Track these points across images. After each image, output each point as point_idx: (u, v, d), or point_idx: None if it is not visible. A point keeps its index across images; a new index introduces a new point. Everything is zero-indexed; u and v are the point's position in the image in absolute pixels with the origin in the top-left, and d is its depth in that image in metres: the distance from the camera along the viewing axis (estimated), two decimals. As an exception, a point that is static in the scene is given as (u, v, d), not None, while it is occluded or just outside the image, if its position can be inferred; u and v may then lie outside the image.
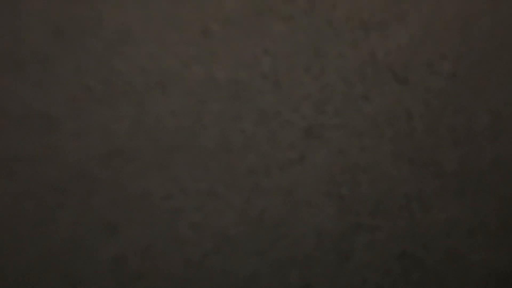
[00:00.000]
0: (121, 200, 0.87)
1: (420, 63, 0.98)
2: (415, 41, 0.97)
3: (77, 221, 0.86)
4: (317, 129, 0.94)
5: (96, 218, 0.86)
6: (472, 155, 1.02)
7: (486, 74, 1.02)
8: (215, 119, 0.90)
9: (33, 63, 0.82)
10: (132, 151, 0.86)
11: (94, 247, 0.87)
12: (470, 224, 1.03)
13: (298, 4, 0.92)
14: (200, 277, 0.92)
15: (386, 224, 0.98)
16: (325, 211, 0.96)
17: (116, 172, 0.86)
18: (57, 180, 0.84)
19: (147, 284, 0.89)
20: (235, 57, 0.90)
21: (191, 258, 0.91)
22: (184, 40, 0.87)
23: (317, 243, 0.96)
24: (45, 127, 0.83)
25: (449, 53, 1.00)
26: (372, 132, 0.97)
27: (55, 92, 0.83)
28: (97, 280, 0.87)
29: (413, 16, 0.97)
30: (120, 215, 0.87)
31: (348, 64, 0.95)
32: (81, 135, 0.84)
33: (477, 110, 1.02)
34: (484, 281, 1.04)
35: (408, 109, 0.98)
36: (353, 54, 0.95)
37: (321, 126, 0.94)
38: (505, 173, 1.04)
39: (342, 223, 0.96)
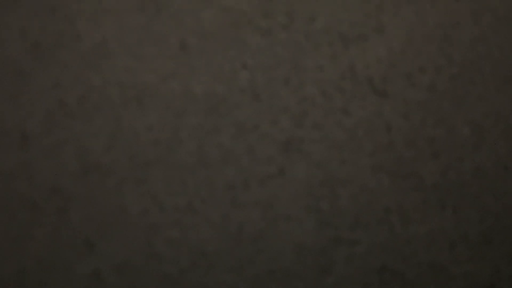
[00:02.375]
0: (97, 216, 0.86)
1: (400, 76, 0.98)
2: (395, 53, 0.97)
3: (52, 238, 0.85)
4: (296, 143, 0.94)
5: (72, 234, 0.85)
6: (452, 167, 1.02)
7: (465, 86, 1.02)
8: (193, 133, 0.89)
9: (8, 77, 0.81)
10: (108, 166, 0.86)
11: (71, 264, 0.86)
12: (451, 236, 1.03)
13: (277, 17, 0.91)
14: (179, 293, 0.91)
15: (365, 238, 0.98)
16: (304, 225, 0.95)
17: (92, 188, 0.85)
18: (32, 196, 0.83)
19: (124, 301, 0.88)
20: (213, 71, 0.89)
21: (168, 274, 0.90)
22: (161, 54, 0.87)
23: (296, 257, 0.95)
24: (19, 143, 0.82)
25: (428, 66, 1.00)
26: (352, 145, 0.97)
27: (30, 107, 0.82)
28: (73, 297, 0.86)
29: (392, 28, 0.97)
30: (96, 231, 0.86)
31: (327, 77, 0.94)
32: (56, 151, 0.84)
33: (457, 122, 1.02)
34: (466, 294, 1.04)
35: (387, 122, 0.98)
36: (332, 67, 0.94)
37: (300, 140, 0.94)
38: (486, 185, 1.04)
39: (322, 237, 0.96)
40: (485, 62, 1.03)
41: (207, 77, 0.89)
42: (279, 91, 0.92)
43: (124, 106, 0.86)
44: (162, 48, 0.87)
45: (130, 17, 0.85)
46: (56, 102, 0.83)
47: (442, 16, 1.00)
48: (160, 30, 0.87)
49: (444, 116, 1.01)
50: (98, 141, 0.85)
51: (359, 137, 0.97)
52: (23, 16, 0.81)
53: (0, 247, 0.83)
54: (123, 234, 0.87)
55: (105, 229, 0.86)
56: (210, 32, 0.89)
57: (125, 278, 0.88)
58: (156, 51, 0.87)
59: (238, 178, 0.91)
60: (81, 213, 0.85)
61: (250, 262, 0.93)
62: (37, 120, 0.82)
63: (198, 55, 0.88)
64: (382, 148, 0.98)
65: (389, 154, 0.98)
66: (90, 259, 0.86)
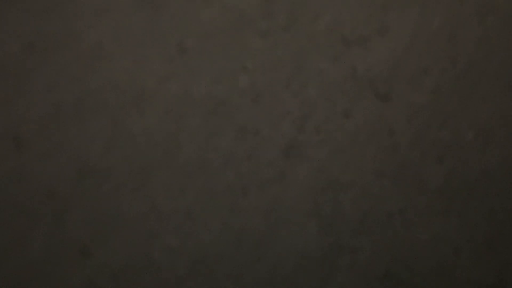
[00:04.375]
0: (94, 221, 0.84)
1: (403, 78, 0.96)
2: (397, 55, 0.95)
3: (48, 244, 0.83)
4: (297, 146, 0.92)
5: (68, 241, 0.83)
6: (457, 170, 1.00)
7: (470, 88, 1.01)
8: (192, 136, 0.87)
9: (2, 79, 0.79)
10: (105, 171, 0.84)
11: (67, 271, 0.84)
12: (456, 241, 1.01)
13: (277, 19, 0.89)
14: (178, 301, 0.89)
15: (368, 243, 0.96)
16: (306, 231, 0.93)
17: (89, 193, 0.83)
18: (27, 202, 0.81)
19: (122, 309, 0.86)
20: (213, 73, 0.87)
21: (166, 282, 0.88)
22: (160, 56, 0.85)
23: (298, 265, 0.93)
24: (14, 147, 0.80)
25: (431, 68, 0.98)
26: (354, 149, 0.95)
27: (24, 110, 0.80)
28: (69, 305, 0.84)
29: (395, 30, 0.96)
30: (93, 237, 0.84)
31: (329, 79, 0.92)
32: (51, 155, 0.82)
33: (462, 125, 1.00)
34: (471, 300, 1.02)
35: (390, 125, 0.96)
36: (333, 69, 0.93)
37: (302, 143, 0.92)
38: (491, 188, 1.02)
39: (324, 243, 0.94)
40: (489, 64, 1.02)
41: (206, 80, 0.87)
42: (280, 94, 0.90)
43: (121, 109, 0.84)
44: (160, 50, 0.85)
45: (127, 18, 0.83)
46: (52, 105, 0.81)
47: (447, 17, 0.98)
48: (158, 31, 0.85)
49: (448, 118, 0.99)
50: (95, 145, 0.83)
51: (362, 140, 0.95)
52: (17, 16, 0.79)
53: (-6, 254, 0.81)
54: (120, 241, 0.85)
55: (101, 235, 0.84)
56: (210, 34, 0.87)
57: (122, 285, 0.86)
58: (154, 53, 0.85)
59: (238, 183, 0.89)
60: (77, 219, 0.83)
61: (250, 269, 0.91)
62: (32, 124, 0.80)
63: (197, 57, 0.86)
64: (385, 152, 0.96)
65: (392, 158, 0.96)
66: (86, 266, 0.84)
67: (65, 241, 0.83)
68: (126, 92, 0.84)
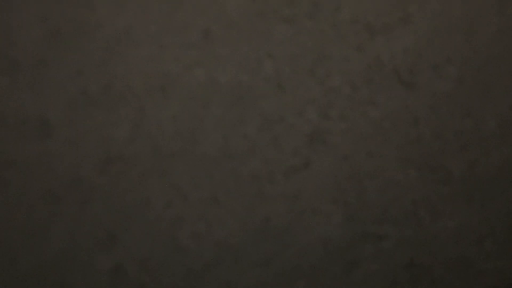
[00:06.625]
0: (119, 208, 0.84)
1: (426, 67, 0.96)
2: (421, 44, 0.95)
3: (73, 231, 0.82)
4: (322, 134, 0.92)
5: (94, 227, 0.83)
6: (480, 160, 1.00)
7: (492, 77, 1.00)
8: (217, 123, 0.87)
9: (29, 66, 0.79)
10: (131, 157, 0.83)
11: (92, 258, 0.83)
12: (479, 231, 1.01)
13: (302, 6, 0.89)
14: (202, 288, 0.88)
15: (393, 232, 0.95)
16: (331, 219, 0.93)
17: (114, 179, 0.83)
18: (53, 188, 0.81)
19: (146, 296, 0.86)
20: (238, 60, 0.87)
21: (192, 268, 0.88)
22: (185, 43, 0.85)
23: (323, 252, 0.93)
24: (40, 132, 0.80)
25: (455, 56, 0.97)
26: (378, 138, 0.94)
27: (51, 96, 0.80)
28: (95, 292, 0.84)
29: (418, 18, 0.95)
30: (118, 224, 0.84)
31: (353, 67, 0.92)
32: (77, 141, 0.81)
33: (484, 114, 1.00)
34: (492, 290, 1.02)
35: (414, 114, 0.96)
36: (358, 57, 0.92)
37: (326, 131, 0.92)
38: (513, 179, 1.02)
39: (349, 231, 0.93)
40: (511, 54, 1.01)
41: (231, 67, 0.87)
42: (305, 81, 0.90)
43: (147, 96, 0.83)
44: (186, 37, 0.85)
45: (153, 5, 0.83)
46: (79, 90, 0.81)
47: (469, 6, 0.98)
48: (183, 18, 0.85)
49: (471, 108, 0.99)
50: (120, 131, 0.83)
51: (386, 129, 0.94)
52: (44, 2, 0.79)
53: (20, 241, 0.81)
54: (146, 227, 0.85)
55: (127, 222, 0.84)
56: (235, 21, 0.87)
57: (148, 272, 0.86)
58: (179, 40, 0.84)
59: (263, 170, 0.89)
60: (103, 205, 0.83)
61: (275, 257, 0.91)
62: (59, 109, 0.80)
63: (222, 44, 0.86)
64: (409, 140, 0.96)
65: (417, 146, 0.96)
66: (112, 253, 0.84)
67: (91, 227, 0.83)
68: (152, 78, 0.83)
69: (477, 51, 0.99)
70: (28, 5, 0.79)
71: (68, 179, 0.81)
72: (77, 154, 0.81)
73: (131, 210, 0.84)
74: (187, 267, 0.87)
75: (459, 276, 0.99)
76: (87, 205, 0.82)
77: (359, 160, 0.93)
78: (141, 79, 0.83)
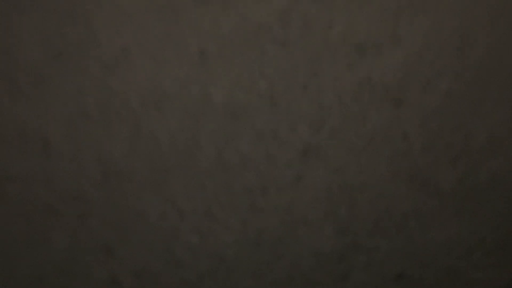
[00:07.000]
0: (116, 221, 0.86)
1: (416, 83, 0.98)
2: (411, 61, 0.98)
3: (71, 243, 0.85)
4: (314, 149, 0.94)
5: (91, 240, 0.85)
6: (469, 173, 1.02)
7: (482, 92, 1.03)
8: (212, 138, 0.89)
9: (29, 84, 0.82)
10: (127, 172, 0.86)
11: (89, 269, 0.86)
12: (469, 242, 1.02)
13: (294, 26, 0.92)
14: (197, 299, 0.90)
15: (384, 244, 0.97)
16: (323, 231, 0.95)
17: (111, 193, 0.85)
18: (51, 202, 0.83)
19: (143, 307, 0.88)
20: (232, 78, 0.90)
21: (187, 280, 0.90)
22: (181, 61, 0.88)
23: (315, 263, 0.95)
24: (40, 148, 0.83)
25: (445, 72, 1.00)
26: (369, 152, 0.97)
27: (51, 113, 0.83)
28: (93, 302, 0.86)
29: (408, 36, 0.98)
30: (115, 237, 0.86)
31: (344, 85, 0.95)
32: (76, 157, 0.84)
33: (474, 128, 1.02)
34: (484, 302, 1.03)
35: (404, 129, 0.98)
36: (349, 75, 0.95)
37: (318, 146, 0.94)
38: (503, 190, 1.04)
39: (340, 243, 0.95)
40: (502, 67, 1.04)
41: (226, 84, 0.89)
42: (297, 98, 0.93)
43: (143, 112, 0.86)
44: (181, 55, 0.88)
45: (150, 24, 0.86)
46: (77, 108, 0.84)
47: (459, 21, 1.00)
48: (180, 38, 0.88)
49: (460, 122, 1.01)
50: (118, 146, 0.85)
51: (377, 143, 0.97)
52: (43, 23, 0.82)
53: (20, 253, 0.83)
54: (142, 240, 0.87)
55: (124, 234, 0.87)
56: (229, 40, 0.89)
57: (144, 283, 0.88)
58: (176, 58, 0.87)
59: (256, 184, 0.92)
60: (100, 219, 0.85)
61: (268, 268, 0.93)
62: (59, 127, 0.83)
63: (217, 62, 0.89)
64: (399, 154, 0.98)
65: (407, 160, 0.98)
66: (109, 264, 0.86)
67: (89, 240, 0.85)
68: (148, 95, 0.86)
69: (468, 66, 1.01)
70: (29, 26, 0.82)
71: (66, 193, 0.84)
72: (75, 170, 0.84)
73: (127, 223, 0.86)
74: (182, 278, 0.89)
75: (449, 287, 1.01)
76: (85, 219, 0.85)
77: (350, 174, 0.96)
78: (138, 96, 0.86)
